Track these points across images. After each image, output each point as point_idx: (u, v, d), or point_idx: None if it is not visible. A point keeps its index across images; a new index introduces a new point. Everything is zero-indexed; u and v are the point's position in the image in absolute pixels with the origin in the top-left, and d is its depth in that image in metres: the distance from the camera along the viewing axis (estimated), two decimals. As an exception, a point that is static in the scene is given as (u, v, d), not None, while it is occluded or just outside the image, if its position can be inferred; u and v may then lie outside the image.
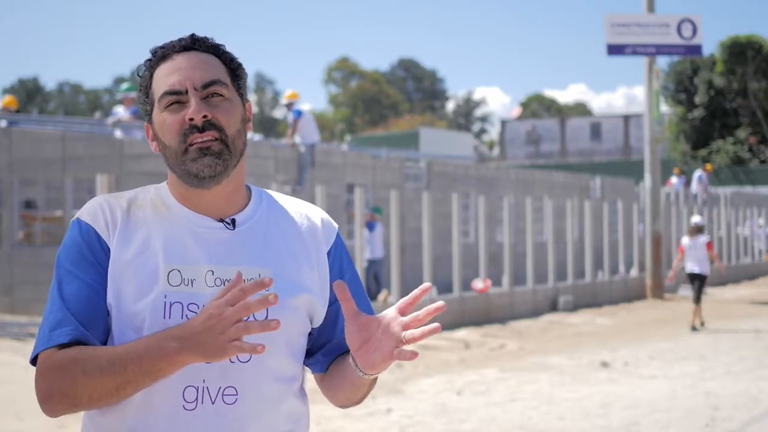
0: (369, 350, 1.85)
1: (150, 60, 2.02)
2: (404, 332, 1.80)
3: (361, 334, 1.86)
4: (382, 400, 9.76)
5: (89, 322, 1.91)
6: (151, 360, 1.79)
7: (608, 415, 9.14)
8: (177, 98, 1.96)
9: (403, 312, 1.83)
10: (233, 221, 2.02)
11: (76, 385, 1.85)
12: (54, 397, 1.88)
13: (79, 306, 1.92)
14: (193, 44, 2.02)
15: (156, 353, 1.79)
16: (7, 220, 17.35)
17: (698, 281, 16.92)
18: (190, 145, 1.94)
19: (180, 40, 2.02)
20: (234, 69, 2.04)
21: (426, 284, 1.81)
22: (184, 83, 1.96)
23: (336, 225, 2.17)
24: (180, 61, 1.99)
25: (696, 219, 17.83)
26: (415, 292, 1.82)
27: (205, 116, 1.94)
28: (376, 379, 2.02)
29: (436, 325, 1.83)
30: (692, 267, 17.00)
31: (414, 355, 1.80)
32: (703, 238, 17.03)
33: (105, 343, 1.94)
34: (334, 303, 2.08)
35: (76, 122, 23.98)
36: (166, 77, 1.98)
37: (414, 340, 1.78)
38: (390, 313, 1.85)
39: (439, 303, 1.79)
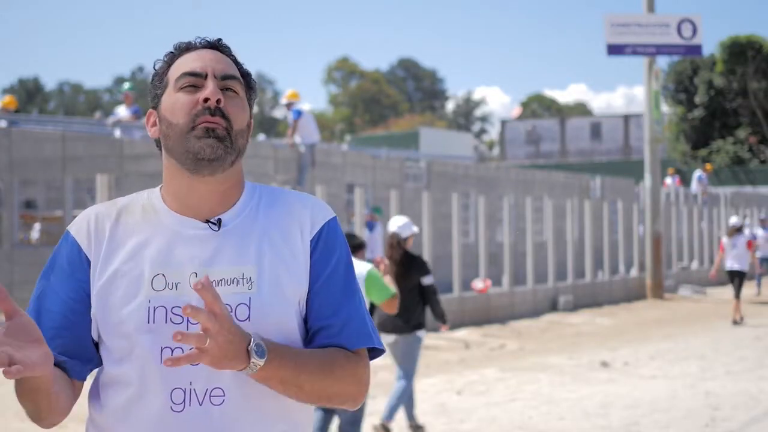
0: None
1: (172, 52, 2.08)
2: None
3: None
4: (382, 400, 9.75)
5: (52, 333, 1.97)
6: (25, 377, 1.81)
7: (608, 415, 9.14)
8: (195, 80, 2.01)
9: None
10: (219, 221, 2.03)
11: (23, 404, 1.96)
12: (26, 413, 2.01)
13: (43, 318, 1.99)
14: (218, 44, 2.10)
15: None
16: (7, 220, 17.35)
17: (738, 278, 17.65)
18: (199, 124, 1.97)
19: (205, 38, 2.09)
20: (248, 81, 2.10)
21: (203, 277, 1.78)
22: (205, 68, 2.02)
23: (330, 213, 2.11)
24: (204, 53, 2.06)
25: (734, 220, 18.82)
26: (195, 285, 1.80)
27: (219, 100, 1.98)
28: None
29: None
30: (732, 264, 17.83)
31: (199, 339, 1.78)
32: (743, 237, 17.92)
33: (73, 352, 2.00)
34: (309, 291, 2.04)
35: (76, 122, 24.04)
36: (187, 63, 2.04)
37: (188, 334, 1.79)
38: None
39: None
